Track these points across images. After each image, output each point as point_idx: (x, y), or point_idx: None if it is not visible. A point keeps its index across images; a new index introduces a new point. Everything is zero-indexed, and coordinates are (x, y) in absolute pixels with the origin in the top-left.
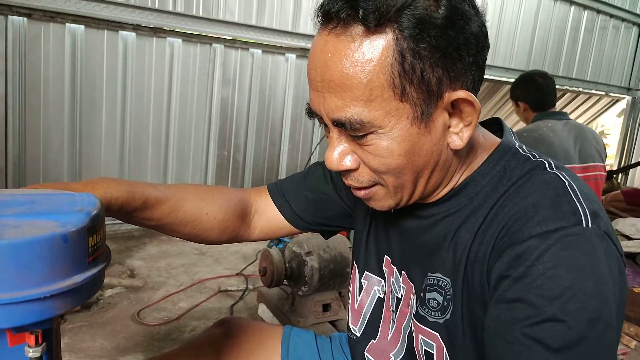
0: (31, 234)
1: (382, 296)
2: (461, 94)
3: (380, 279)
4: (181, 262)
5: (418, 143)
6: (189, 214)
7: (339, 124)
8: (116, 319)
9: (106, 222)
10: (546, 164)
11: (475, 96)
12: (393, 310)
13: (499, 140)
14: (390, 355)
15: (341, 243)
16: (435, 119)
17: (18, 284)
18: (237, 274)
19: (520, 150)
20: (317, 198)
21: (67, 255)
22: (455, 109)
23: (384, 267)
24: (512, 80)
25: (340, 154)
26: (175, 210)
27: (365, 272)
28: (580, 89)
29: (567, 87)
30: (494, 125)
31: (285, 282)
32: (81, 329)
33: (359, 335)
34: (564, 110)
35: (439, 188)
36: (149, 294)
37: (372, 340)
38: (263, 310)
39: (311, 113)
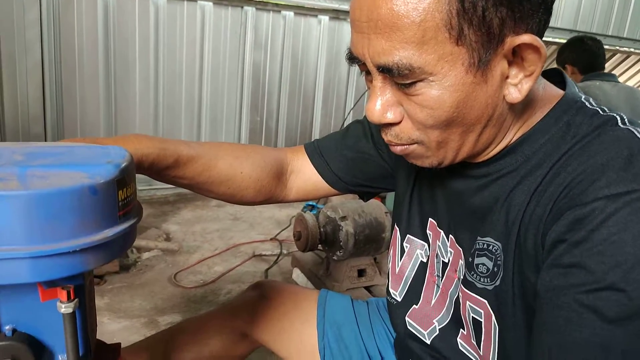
0: (58, 184)
1: (425, 260)
2: (526, 38)
3: (424, 243)
4: (216, 227)
5: (472, 94)
6: (222, 173)
7: (385, 70)
8: (154, 281)
9: (141, 188)
10: (618, 118)
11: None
12: (438, 276)
13: (561, 92)
14: (434, 320)
15: (377, 208)
16: (493, 67)
17: (47, 237)
18: (271, 239)
19: (586, 103)
20: (356, 157)
21: (97, 208)
22: (516, 56)
23: (427, 231)
24: (558, 40)
25: (383, 105)
26: (208, 169)
27: (408, 235)
28: (632, 49)
29: (618, 48)
30: (555, 77)
31: (319, 247)
32: (120, 290)
33: (399, 300)
34: (613, 72)
35: (490, 145)
36: (185, 257)
37: (414, 306)
38: (297, 275)
39: (352, 58)
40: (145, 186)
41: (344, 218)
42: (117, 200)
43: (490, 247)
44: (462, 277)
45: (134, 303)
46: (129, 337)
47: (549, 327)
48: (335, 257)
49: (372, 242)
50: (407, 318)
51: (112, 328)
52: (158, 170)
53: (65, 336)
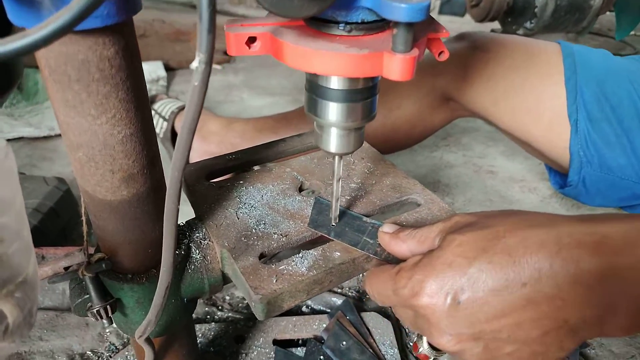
0: None
1: None
2: None
3: None
4: None
5: None
6: None
7: None
8: None
9: None
10: None
11: None
12: None
13: None
14: None
15: None
16: None
17: None
18: None
19: None
20: None
21: None
22: None
23: None
24: None
25: None
26: None
27: None
28: None
29: None
30: None
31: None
32: (252, 69)
33: None
34: None
35: None
36: None
37: None
38: None
39: None
40: None
41: None
42: None
43: None
44: None
45: (271, 81)
46: (278, 112)
47: None
48: (520, 32)
49: (574, 12)
50: None
51: (257, 103)
52: None
53: None
